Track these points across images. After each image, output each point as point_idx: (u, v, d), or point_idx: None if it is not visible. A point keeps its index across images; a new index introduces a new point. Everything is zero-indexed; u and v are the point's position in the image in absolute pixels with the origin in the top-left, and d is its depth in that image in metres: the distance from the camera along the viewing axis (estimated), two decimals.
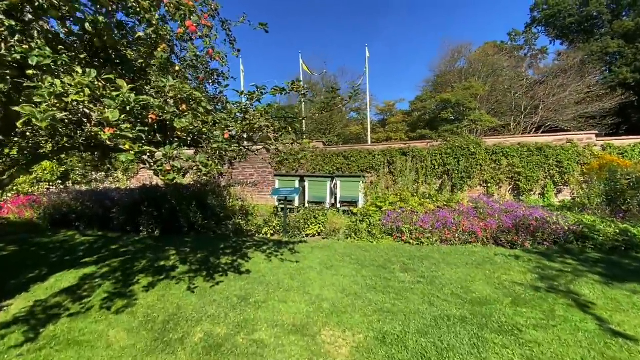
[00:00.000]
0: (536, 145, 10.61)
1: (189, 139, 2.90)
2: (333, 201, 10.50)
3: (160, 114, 2.53)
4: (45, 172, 11.59)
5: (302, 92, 3.43)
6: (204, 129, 2.81)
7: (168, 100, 2.59)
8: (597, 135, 10.75)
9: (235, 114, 3.11)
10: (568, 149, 10.41)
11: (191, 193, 7.94)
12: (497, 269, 4.66)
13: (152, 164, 2.58)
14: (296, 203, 10.34)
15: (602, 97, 20.38)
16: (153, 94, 2.69)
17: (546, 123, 21.88)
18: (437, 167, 11.12)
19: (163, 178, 2.46)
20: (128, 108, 2.23)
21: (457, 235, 5.99)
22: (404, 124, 22.59)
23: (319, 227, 6.88)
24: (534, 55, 31.20)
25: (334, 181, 10.48)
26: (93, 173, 12.77)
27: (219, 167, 2.60)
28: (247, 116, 3.19)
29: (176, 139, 2.94)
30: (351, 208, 9.80)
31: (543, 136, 11.12)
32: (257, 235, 7.10)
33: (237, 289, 4.09)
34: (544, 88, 21.72)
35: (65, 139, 3.20)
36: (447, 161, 11.03)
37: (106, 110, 2.08)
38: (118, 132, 2.15)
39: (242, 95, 3.25)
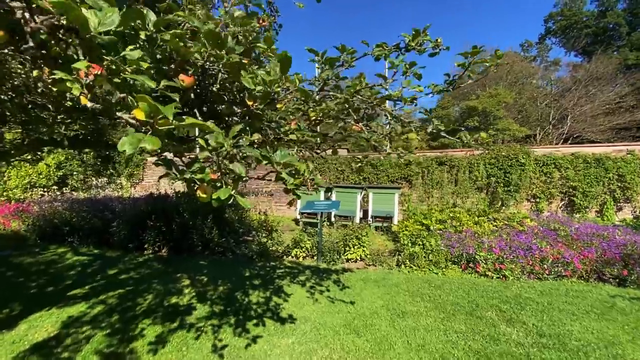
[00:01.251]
0: (593, 156, 9.35)
1: (263, 124, 1.67)
2: (362, 215, 9.24)
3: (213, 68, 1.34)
4: (41, 176, 10.43)
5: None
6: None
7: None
8: None
9: (314, 93, 1.90)
10: (630, 161, 9.14)
11: (205, 205, 6.71)
12: (635, 321, 3.37)
13: (183, 170, 1.36)
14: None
15: (633, 108, 19.15)
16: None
17: (574, 134, 20.63)
18: (479, 178, 9.86)
19: (202, 196, 1.24)
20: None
21: (546, 266, 4.70)
22: (423, 133, 21.36)
23: (363, 251, 5.62)
24: (547, 67, 30.11)
25: (365, 192, 9.24)
26: (94, 178, 11.61)
27: (317, 176, 1.37)
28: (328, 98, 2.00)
29: (237, 122, 1.70)
30: (384, 224, 8.55)
31: (599, 146, 9.86)
32: (285, 257, 5.84)
33: (284, 351, 2.83)
34: (571, 97, 20.53)
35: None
36: (492, 172, 9.77)
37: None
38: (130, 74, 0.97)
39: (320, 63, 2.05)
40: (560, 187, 9.51)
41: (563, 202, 9.64)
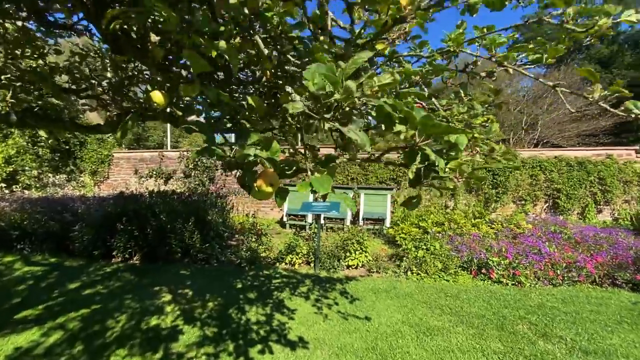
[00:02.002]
0: (576, 159, 9.55)
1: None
2: (351, 218, 8.80)
3: None
4: None
5: None
6: None
7: None
8: (636, 151, 9.86)
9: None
10: (609, 165, 9.42)
11: (186, 206, 5.97)
12: None
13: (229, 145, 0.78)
14: (309, 219, 8.56)
15: (599, 116, 20.31)
16: None
17: (544, 139, 21.58)
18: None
19: (266, 189, 0.70)
20: None
21: (559, 272, 4.47)
22: None
23: (365, 257, 5.15)
24: (512, 76, 31.53)
25: (355, 193, 8.81)
26: (50, 175, 10.32)
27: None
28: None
29: None
30: (376, 227, 8.17)
31: (580, 150, 10.11)
32: (278, 264, 5.24)
33: None
34: (541, 104, 21.47)
35: None
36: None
37: None
38: None
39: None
40: (545, 189, 9.61)
41: (547, 204, 9.76)
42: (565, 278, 4.45)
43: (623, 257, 4.50)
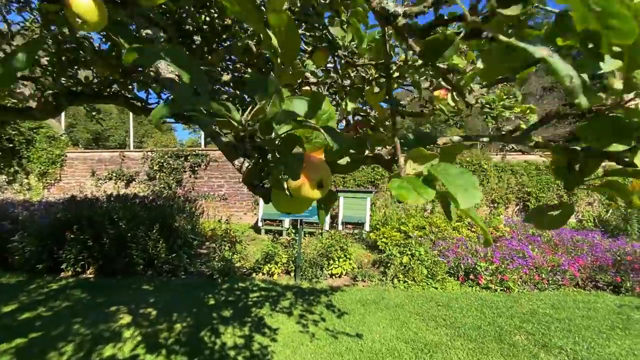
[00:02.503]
0: (544, 163, 9.92)
1: None
2: (329, 221, 8.50)
3: None
4: None
5: None
6: None
7: None
8: None
9: None
10: None
11: (149, 211, 5.36)
12: None
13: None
14: (286, 224, 8.14)
15: (557, 123, 21.67)
16: None
17: (508, 145, 22.66)
18: None
19: (309, 193, 0.34)
20: None
21: (544, 275, 4.42)
22: None
23: (349, 264, 4.84)
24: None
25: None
26: None
27: None
28: None
29: None
30: (355, 231, 7.93)
31: (548, 153, 10.52)
32: (255, 275, 4.80)
33: None
34: None
35: None
36: None
37: None
38: None
39: None
40: (517, 192, 9.89)
41: (518, 207, 10.04)
42: (550, 282, 4.41)
43: (603, 260, 4.55)
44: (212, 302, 3.72)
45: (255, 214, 10.48)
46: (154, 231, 4.87)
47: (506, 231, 6.64)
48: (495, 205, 9.95)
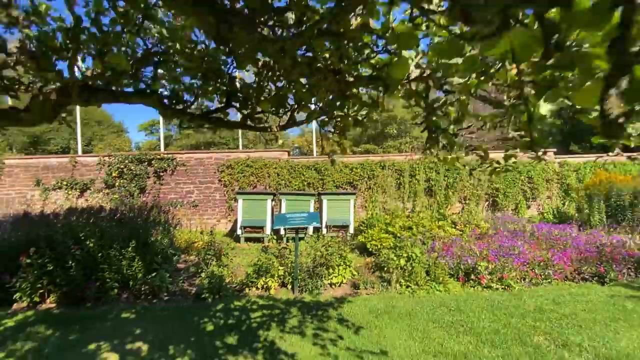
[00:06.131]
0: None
1: None
2: (315, 225, 8.22)
3: None
4: None
5: None
6: None
7: None
8: (555, 153, 11.30)
9: None
10: (535, 165, 10.58)
11: (121, 226, 4.71)
12: None
13: None
14: (267, 230, 7.74)
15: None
16: None
17: (466, 144, 23.98)
18: (420, 182, 10.00)
19: None
20: None
21: (537, 271, 4.56)
22: (348, 138, 21.75)
23: (350, 272, 4.62)
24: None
25: (316, 199, 8.26)
26: None
27: None
28: None
29: None
30: (339, 234, 7.74)
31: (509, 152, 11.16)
32: (248, 290, 4.40)
33: None
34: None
35: None
36: (431, 176, 10.04)
37: None
38: None
39: None
40: (487, 189, 10.35)
41: (487, 203, 10.53)
42: (543, 276, 4.55)
43: (588, 252, 4.80)
44: (210, 327, 3.29)
45: (229, 220, 9.89)
46: (129, 249, 4.27)
47: (486, 227, 6.86)
48: (467, 202, 10.35)
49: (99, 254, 4.10)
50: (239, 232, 7.63)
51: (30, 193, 9.18)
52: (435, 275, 4.45)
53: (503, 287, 4.32)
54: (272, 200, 8.05)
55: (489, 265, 4.44)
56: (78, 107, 12.61)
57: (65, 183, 9.31)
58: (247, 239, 7.69)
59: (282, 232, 7.74)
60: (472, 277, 4.45)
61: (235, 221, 9.03)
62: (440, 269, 4.48)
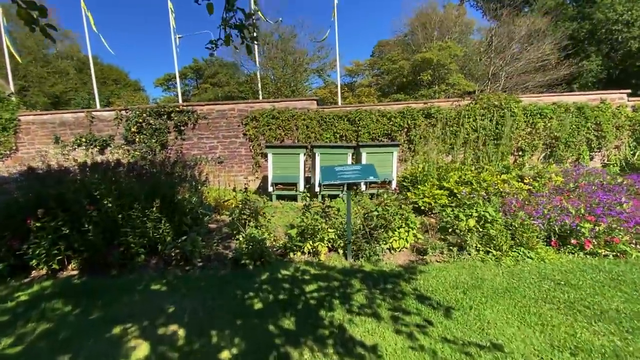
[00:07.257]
0: (575, 105, 8.99)
1: None
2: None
3: None
4: None
5: None
6: None
7: None
8: (628, 95, 9.60)
9: None
10: (605, 110, 9.06)
11: (142, 183, 4.04)
12: None
13: None
14: (301, 187, 7.01)
15: (559, 65, 20.68)
16: None
17: (507, 90, 21.71)
18: (470, 132, 8.79)
19: None
20: None
21: None
22: (374, 88, 19.96)
23: (412, 236, 3.84)
24: (463, 30, 30.70)
25: (354, 152, 7.33)
26: None
27: None
28: None
29: None
30: (380, 190, 6.90)
31: (576, 95, 9.62)
32: (293, 255, 3.72)
33: None
34: (502, 56, 21.24)
35: None
36: (484, 124, 8.78)
37: None
38: None
39: None
40: (545, 138, 9.04)
41: (544, 154, 9.27)
42: None
43: None
44: (258, 305, 2.64)
45: (256, 177, 9.23)
46: (154, 208, 3.62)
47: (561, 181, 5.81)
48: (522, 153, 9.12)
49: (119, 215, 3.47)
50: (270, 189, 6.95)
51: (51, 152, 8.76)
52: (523, 239, 3.58)
53: (615, 253, 3.42)
54: (304, 154, 7.21)
55: (595, 227, 3.50)
56: (92, 64, 11.71)
57: (84, 140, 8.80)
58: (279, 197, 7.02)
59: (317, 189, 6.99)
60: (571, 240, 3.55)
61: (264, 178, 8.39)
62: (530, 231, 3.59)
